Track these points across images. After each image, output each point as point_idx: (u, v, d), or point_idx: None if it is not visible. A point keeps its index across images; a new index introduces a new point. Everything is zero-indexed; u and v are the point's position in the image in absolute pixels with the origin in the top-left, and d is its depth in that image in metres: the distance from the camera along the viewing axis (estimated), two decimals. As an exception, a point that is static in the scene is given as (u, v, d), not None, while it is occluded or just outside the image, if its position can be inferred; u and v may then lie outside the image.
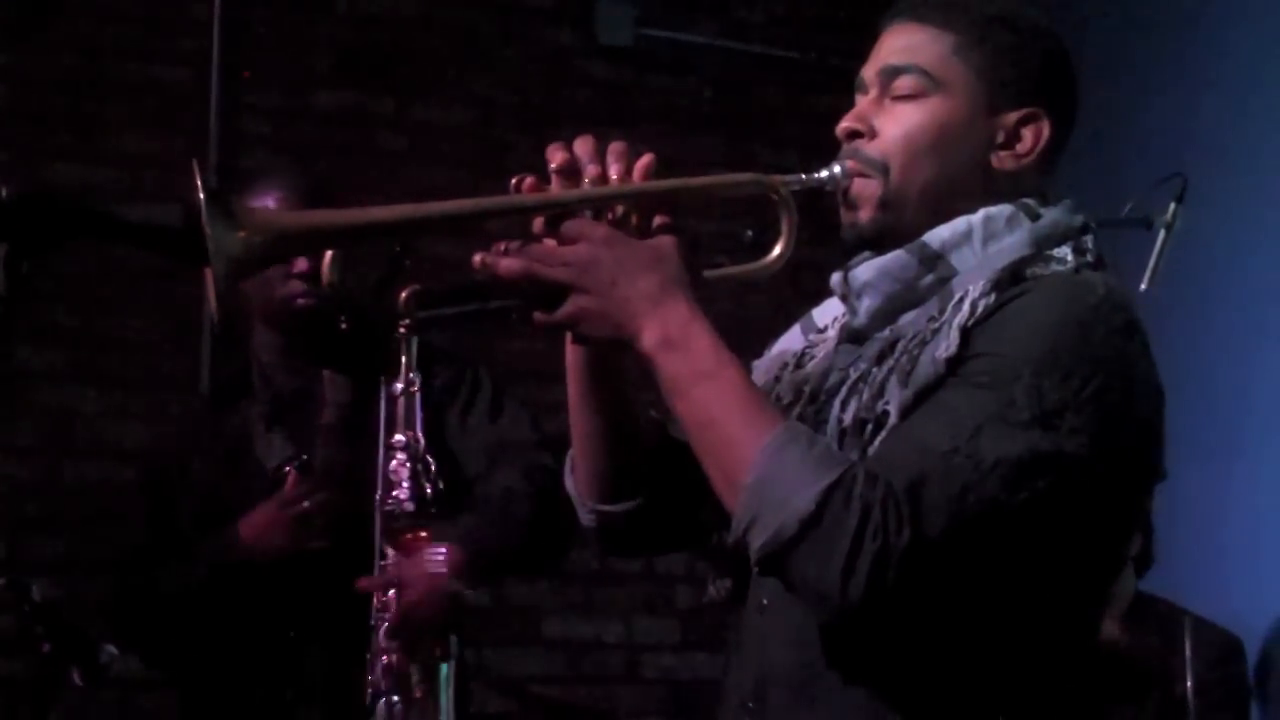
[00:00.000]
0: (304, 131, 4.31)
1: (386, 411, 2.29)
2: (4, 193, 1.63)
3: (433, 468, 2.25)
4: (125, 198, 3.96)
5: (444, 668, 2.20)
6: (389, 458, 2.27)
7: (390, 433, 2.28)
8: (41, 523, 3.85)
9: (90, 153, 4.09)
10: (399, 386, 2.26)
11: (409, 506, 2.24)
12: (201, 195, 1.37)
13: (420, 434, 2.26)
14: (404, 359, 2.26)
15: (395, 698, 2.19)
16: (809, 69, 4.64)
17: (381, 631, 2.24)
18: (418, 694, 2.18)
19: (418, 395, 2.26)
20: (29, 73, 4.08)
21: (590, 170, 1.49)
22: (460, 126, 4.45)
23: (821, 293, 1.71)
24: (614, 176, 1.50)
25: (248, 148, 4.01)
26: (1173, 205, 3.08)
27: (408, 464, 2.25)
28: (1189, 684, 3.11)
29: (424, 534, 2.23)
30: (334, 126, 4.35)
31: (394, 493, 2.25)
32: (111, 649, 2.58)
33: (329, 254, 1.46)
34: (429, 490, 2.25)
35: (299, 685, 2.51)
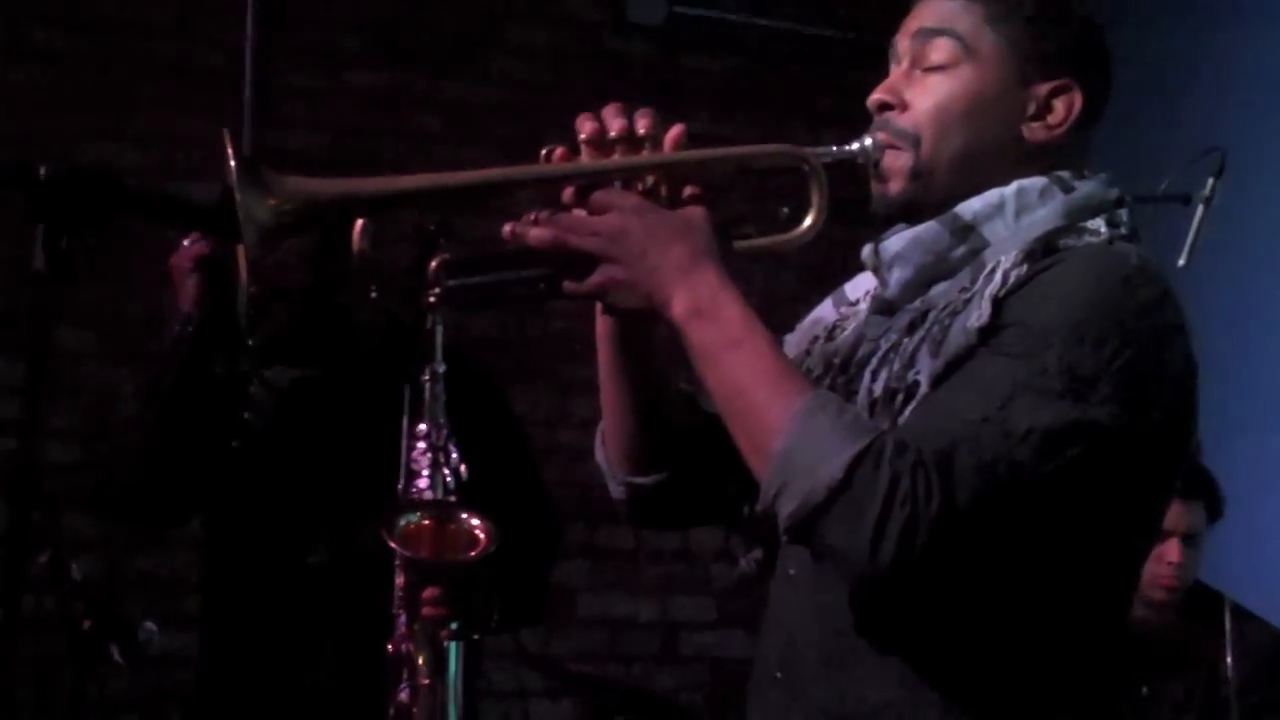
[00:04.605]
0: (337, 111, 4.32)
1: (411, 401, 2.29)
2: (43, 171, 1.64)
3: (454, 456, 2.25)
4: (160, 178, 3.98)
5: (453, 648, 2.19)
6: (411, 447, 2.27)
7: (415, 422, 2.28)
8: (80, 502, 3.88)
9: (125, 133, 4.12)
10: (425, 377, 2.26)
11: (429, 496, 2.24)
12: (232, 163, 1.37)
13: (444, 424, 2.26)
14: (431, 347, 2.26)
15: (404, 683, 2.19)
16: (842, 45, 4.62)
17: (401, 618, 2.24)
18: (424, 681, 2.17)
19: (442, 385, 2.26)
20: (64, 53, 4.11)
21: (617, 126, 1.49)
22: (492, 105, 4.46)
23: (852, 269, 1.70)
24: (641, 133, 1.49)
25: (282, 128, 4.03)
26: (1211, 180, 3.05)
27: (429, 454, 2.25)
28: (1229, 676, 3.11)
29: (426, 523, 2.22)
30: (367, 106, 4.36)
31: (415, 482, 2.25)
32: (150, 626, 2.59)
33: (359, 223, 1.46)
34: (449, 480, 2.24)
35: (317, 670, 2.52)
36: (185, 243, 2.59)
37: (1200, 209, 3.04)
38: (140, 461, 2.62)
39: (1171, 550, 3.21)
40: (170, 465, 2.61)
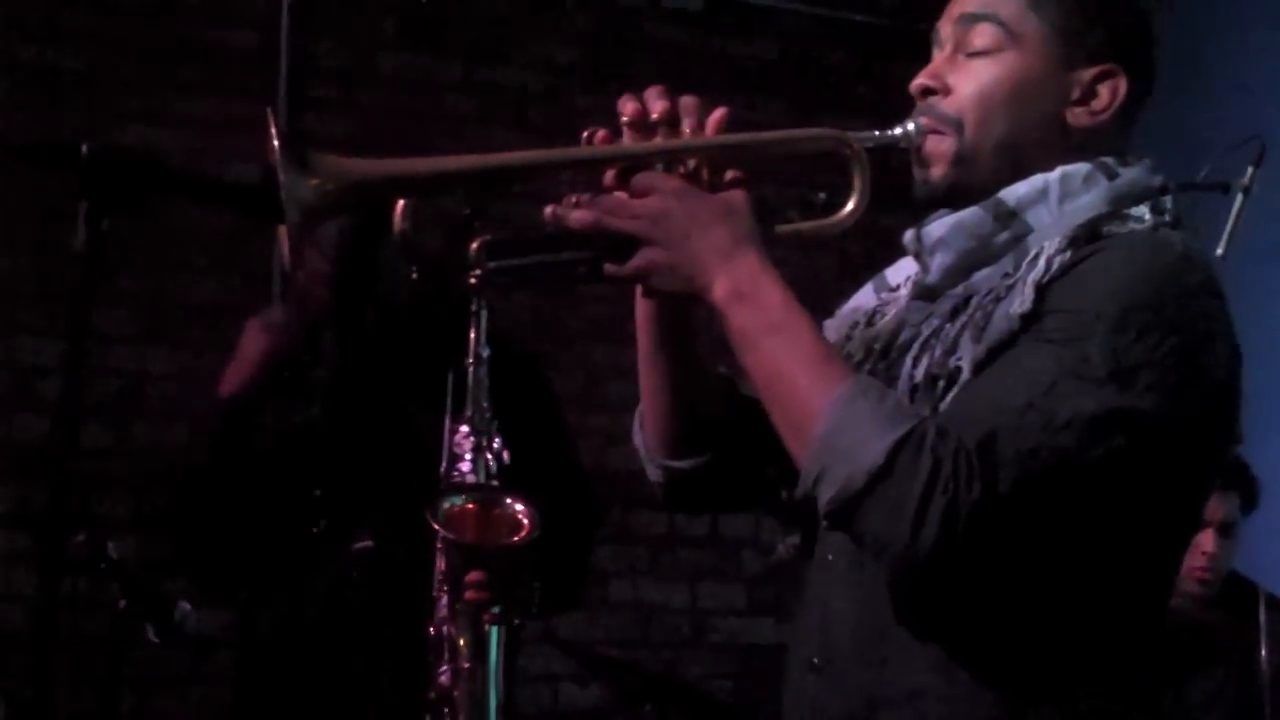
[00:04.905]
0: (372, 95, 4.33)
1: (454, 385, 2.29)
2: (85, 149, 1.65)
3: (497, 442, 2.25)
4: (194, 160, 3.99)
5: (494, 632, 2.19)
6: (454, 431, 2.27)
7: (458, 406, 2.28)
8: (114, 483, 3.91)
9: (160, 116, 4.13)
10: (469, 360, 2.26)
11: (471, 479, 2.24)
12: (275, 142, 1.37)
13: (487, 408, 2.26)
14: (473, 332, 2.26)
15: (445, 665, 2.19)
16: (878, 32, 4.60)
17: (442, 601, 2.24)
18: (465, 664, 2.17)
19: (486, 369, 2.26)
20: (99, 36, 4.12)
21: (659, 109, 1.49)
22: (527, 90, 4.45)
23: (888, 256, 1.69)
24: (686, 127, 1.49)
25: (316, 111, 4.04)
26: (1251, 169, 3.03)
27: (471, 437, 2.25)
28: (1263, 667, 3.09)
29: (470, 507, 2.22)
30: (401, 90, 4.37)
31: (458, 466, 2.25)
32: (185, 605, 2.61)
33: (400, 204, 1.46)
34: (491, 464, 2.24)
35: (359, 653, 2.53)
36: (274, 312, 2.63)
37: (1239, 198, 3.03)
38: (189, 552, 2.70)
39: (1206, 540, 3.20)
40: (215, 555, 2.69)
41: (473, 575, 2.16)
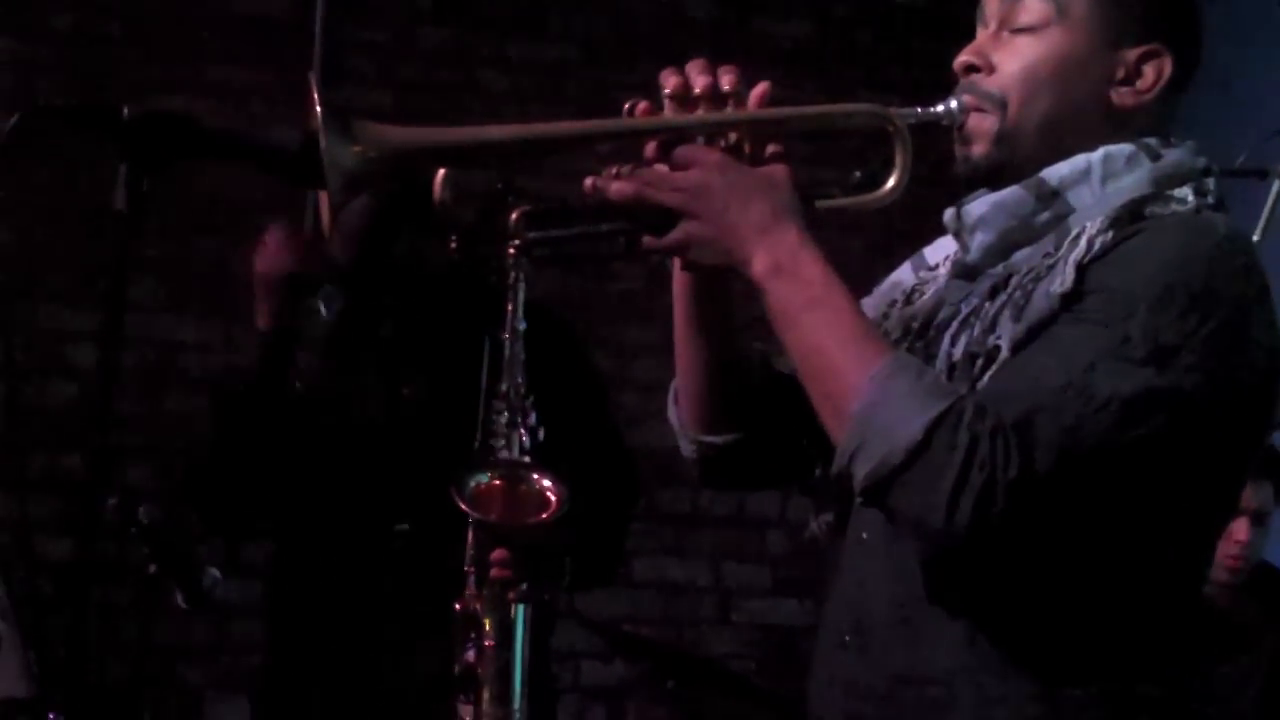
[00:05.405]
0: (407, 69, 4.33)
1: (492, 359, 2.29)
2: (126, 111, 1.65)
3: (532, 418, 2.24)
4: (234, 126, 3.99)
5: (520, 611, 2.19)
6: (489, 405, 2.26)
7: (493, 380, 2.27)
8: (145, 452, 3.92)
9: (196, 86, 4.14)
10: (505, 334, 2.25)
11: (504, 455, 2.23)
12: (318, 108, 1.37)
13: (523, 382, 2.25)
14: (510, 305, 2.25)
15: (470, 642, 2.19)
16: (911, 13, 4.59)
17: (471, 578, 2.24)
18: (488, 643, 2.16)
19: (522, 343, 2.25)
20: (135, 4, 4.13)
21: (702, 83, 1.48)
22: (562, 66, 4.45)
23: (920, 236, 1.69)
24: (725, 89, 1.49)
25: (351, 84, 4.04)
26: (1289, 156, 3.02)
27: (506, 413, 2.24)
28: None
29: (497, 484, 2.21)
30: (436, 64, 4.36)
31: (491, 441, 2.25)
32: (214, 572, 2.62)
33: (441, 172, 1.46)
34: (524, 440, 2.23)
35: (393, 634, 2.54)
36: (267, 241, 2.62)
37: (1276, 184, 3.01)
38: (214, 481, 2.71)
39: (1240, 528, 3.20)
40: (242, 485, 2.69)
41: (498, 553, 2.16)
